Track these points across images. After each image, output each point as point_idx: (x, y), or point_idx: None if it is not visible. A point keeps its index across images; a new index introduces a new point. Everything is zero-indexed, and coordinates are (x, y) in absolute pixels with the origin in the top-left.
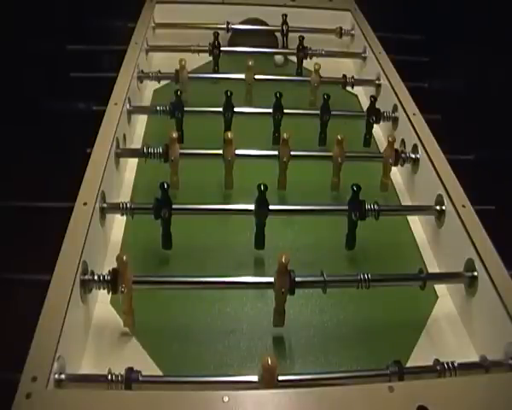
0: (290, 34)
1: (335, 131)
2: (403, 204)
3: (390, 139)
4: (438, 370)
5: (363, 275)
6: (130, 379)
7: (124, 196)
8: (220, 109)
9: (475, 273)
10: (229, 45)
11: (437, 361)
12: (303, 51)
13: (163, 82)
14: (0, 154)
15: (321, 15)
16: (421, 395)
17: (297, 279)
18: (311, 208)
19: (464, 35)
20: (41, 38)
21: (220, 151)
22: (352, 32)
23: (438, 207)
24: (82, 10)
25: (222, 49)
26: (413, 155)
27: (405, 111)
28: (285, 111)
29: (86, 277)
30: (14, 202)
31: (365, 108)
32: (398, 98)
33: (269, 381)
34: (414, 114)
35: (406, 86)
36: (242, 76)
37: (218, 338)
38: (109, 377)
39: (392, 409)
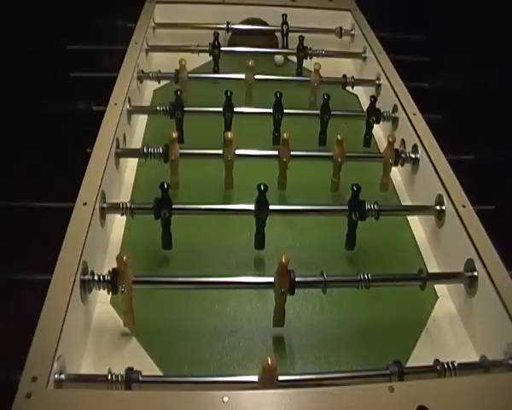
0: (290, 34)
1: (335, 131)
2: (403, 204)
3: (390, 139)
4: (438, 370)
5: (363, 275)
6: (131, 379)
7: (124, 196)
8: (220, 109)
9: (475, 273)
10: (229, 45)
11: (437, 361)
12: (303, 51)
13: (163, 82)
14: (0, 154)
15: (321, 15)
16: (421, 395)
17: (297, 279)
18: (311, 208)
19: (464, 35)
20: (41, 38)
21: (220, 151)
22: (352, 32)
23: (438, 207)
24: (82, 10)
25: (222, 49)
26: (413, 155)
27: (405, 111)
28: (285, 111)
29: (86, 277)
30: (14, 202)
31: (365, 108)
32: (398, 98)
33: (269, 381)
34: (414, 114)
35: (406, 86)
36: (242, 76)
37: (218, 338)
38: (109, 377)
39: (392, 409)
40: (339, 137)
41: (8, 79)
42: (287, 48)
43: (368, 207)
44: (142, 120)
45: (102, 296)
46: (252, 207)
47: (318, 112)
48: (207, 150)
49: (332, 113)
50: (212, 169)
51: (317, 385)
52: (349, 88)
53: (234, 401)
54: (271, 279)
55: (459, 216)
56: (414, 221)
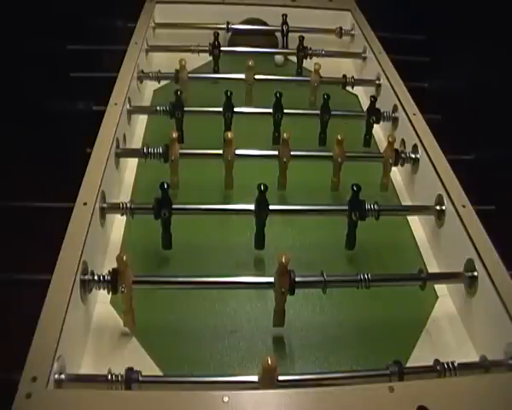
0: (290, 34)
1: (335, 131)
2: (403, 204)
3: (390, 139)
4: (438, 370)
5: (363, 275)
6: (131, 379)
7: (124, 196)
8: (220, 109)
9: (475, 273)
10: (229, 45)
11: (437, 361)
12: (303, 51)
13: (163, 82)
14: (0, 154)
15: (321, 15)
16: (421, 395)
17: (297, 279)
18: (311, 208)
19: (464, 35)
20: (41, 38)
21: (220, 151)
22: (352, 32)
23: (438, 207)
24: (82, 10)
25: (222, 49)
26: (413, 155)
27: (405, 111)
28: (285, 111)
29: (86, 277)
30: (14, 202)
31: (365, 108)
32: (398, 98)
33: (269, 381)
34: (414, 114)
35: (406, 86)
36: (242, 76)
37: (218, 338)
38: (109, 377)
39: (392, 409)
40: (339, 137)
41: (8, 79)
42: (287, 48)
43: (368, 207)
44: (142, 120)
45: (102, 296)
46: (252, 207)
47: (318, 112)
48: (207, 150)
49: (332, 113)
50: (212, 169)
51: (317, 385)
52: (349, 88)
53: (234, 401)
54: (271, 279)
55: (459, 216)
56: (414, 221)
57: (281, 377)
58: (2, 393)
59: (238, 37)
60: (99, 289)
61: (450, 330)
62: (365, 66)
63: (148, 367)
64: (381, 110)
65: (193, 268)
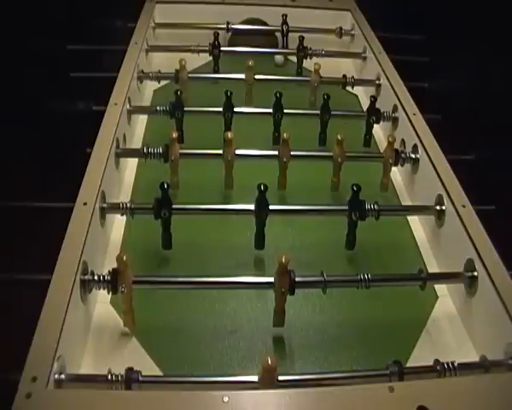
0: (290, 34)
1: (335, 131)
2: (403, 204)
3: (390, 139)
4: (438, 370)
5: (363, 275)
6: (131, 379)
7: (124, 196)
8: (220, 109)
9: (475, 273)
10: (229, 45)
11: (437, 361)
12: (303, 51)
13: (163, 82)
14: (0, 154)
15: (321, 15)
16: (421, 395)
17: (297, 279)
18: (311, 208)
19: (464, 35)
20: (41, 38)
21: (220, 151)
22: (352, 32)
23: (438, 207)
24: (82, 10)
25: (222, 49)
26: (413, 155)
27: (405, 111)
28: (285, 111)
29: (86, 277)
30: (14, 202)
31: (365, 108)
32: (398, 98)
33: (269, 381)
34: (414, 114)
35: (406, 86)
36: (242, 76)
37: (218, 338)
38: (109, 377)
39: (392, 409)
40: (339, 137)
41: (8, 79)
42: (287, 48)
43: (368, 207)
44: (142, 120)
45: (102, 296)
46: (252, 207)
47: (318, 112)
48: (207, 150)
49: (332, 113)
50: (212, 169)
51: (317, 385)
52: (349, 88)
53: (234, 401)
54: (271, 279)
55: (459, 216)
56: (414, 221)
57: (281, 377)
58: (2, 393)
59: (238, 37)
60: (99, 289)
61: (450, 330)
62: (365, 66)
63: (148, 367)
64: (381, 110)
65: (193, 268)
